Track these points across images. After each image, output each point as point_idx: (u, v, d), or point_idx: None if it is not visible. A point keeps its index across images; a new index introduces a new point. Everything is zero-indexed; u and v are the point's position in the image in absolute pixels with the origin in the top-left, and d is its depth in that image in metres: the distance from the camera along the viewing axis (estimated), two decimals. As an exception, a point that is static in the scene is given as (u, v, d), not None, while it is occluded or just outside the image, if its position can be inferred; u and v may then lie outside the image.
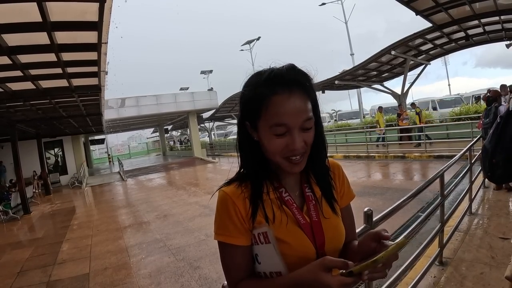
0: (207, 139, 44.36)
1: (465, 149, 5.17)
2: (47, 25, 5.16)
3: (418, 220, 3.29)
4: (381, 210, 2.42)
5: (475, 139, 6.76)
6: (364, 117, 28.00)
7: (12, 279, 6.12)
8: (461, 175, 5.38)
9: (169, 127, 49.74)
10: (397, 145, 15.46)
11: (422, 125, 15.08)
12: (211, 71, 46.93)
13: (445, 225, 3.89)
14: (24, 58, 6.64)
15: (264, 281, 1.04)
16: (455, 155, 4.63)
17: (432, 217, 4.79)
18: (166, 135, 51.21)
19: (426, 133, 14.34)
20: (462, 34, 13.23)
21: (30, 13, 4.70)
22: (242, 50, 44.12)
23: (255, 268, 1.09)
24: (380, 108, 17.50)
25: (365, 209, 2.08)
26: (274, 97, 0.96)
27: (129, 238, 7.82)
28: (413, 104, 18.63)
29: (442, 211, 3.79)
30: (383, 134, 15.99)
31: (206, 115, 34.90)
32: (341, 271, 0.88)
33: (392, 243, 0.92)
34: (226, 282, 1.11)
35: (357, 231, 1.92)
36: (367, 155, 14.96)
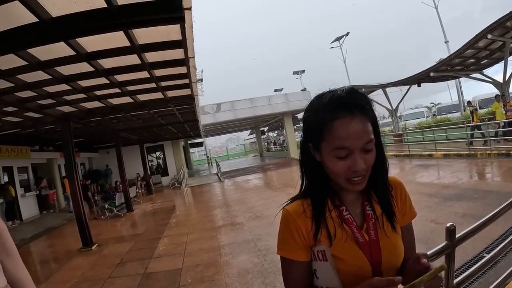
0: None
1: None
2: (135, 48, 5.58)
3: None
4: (480, 217, 2.26)
5: None
6: (464, 110, 25.69)
7: (111, 269, 6.77)
8: None
9: (265, 129, 50.33)
10: (502, 141, 13.93)
11: (474, 123, 15.53)
12: (303, 71, 46.83)
13: None
14: (120, 77, 7.24)
15: None
16: None
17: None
18: (262, 136, 51.83)
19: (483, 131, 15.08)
20: None
21: (119, 39, 5.14)
22: (332, 47, 43.42)
23: (314, 282, 1.14)
24: (497, 97, 15.15)
25: (448, 225, 1.95)
26: (336, 121, 1.00)
27: (222, 237, 8.08)
28: (469, 102, 18.18)
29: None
30: (502, 127, 14.14)
31: (301, 115, 34.79)
32: None
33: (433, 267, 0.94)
34: None
35: (438, 248, 1.79)
36: (468, 153, 13.69)
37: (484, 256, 2.49)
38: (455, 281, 2.03)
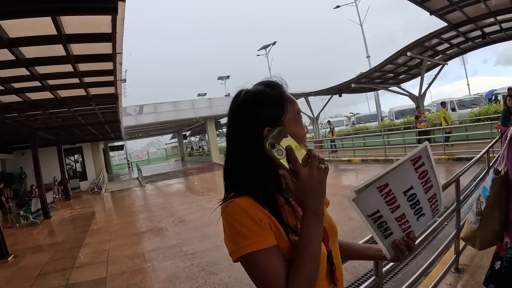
0: (225, 144, 44.38)
1: (482, 152, 5.05)
2: (62, 38, 5.28)
3: (432, 227, 3.22)
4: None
5: (494, 141, 6.62)
6: (382, 119, 27.71)
7: (31, 282, 6.29)
8: (479, 178, 5.30)
9: (188, 133, 49.96)
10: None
11: (333, 137, 22.21)
12: (228, 77, 47.34)
13: (461, 231, 3.81)
14: (42, 69, 6.80)
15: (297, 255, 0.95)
16: (474, 157, 4.53)
17: (450, 222, 4.71)
18: (184, 141, 51.53)
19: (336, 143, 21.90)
20: (478, 32, 12.94)
21: (45, 26, 4.81)
22: (258, 55, 44.23)
23: None
24: (443, 104, 16.28)
25: None
26: (286, 93, 1.10)
27: (146, 243, 7.94)
28: (328, 122, 24.41)
29: (458, 217, 3.71)
30: (450, 132, 14.83)
31: (224, 120, 35.11)
32: None
33: None
34: None
35: (366, 239, 1.91)
36: (385, 159, 14.75)
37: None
38: (384, 269, 2.20)
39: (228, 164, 1.09)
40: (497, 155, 5.95)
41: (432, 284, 3.20)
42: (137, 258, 6.82)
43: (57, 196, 19.06)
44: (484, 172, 5.22)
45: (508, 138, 1.85)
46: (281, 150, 0.93)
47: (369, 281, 2.10)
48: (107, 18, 4.98)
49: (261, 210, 0.96)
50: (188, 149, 53.59)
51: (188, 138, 54.22)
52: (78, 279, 6.11)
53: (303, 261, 0.93)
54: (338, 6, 31.05)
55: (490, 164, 5.25)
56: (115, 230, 9.74)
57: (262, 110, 1.03)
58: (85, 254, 7.76)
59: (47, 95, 8.62)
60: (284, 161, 0.92)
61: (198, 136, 52.22)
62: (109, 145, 39.48)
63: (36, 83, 7.48)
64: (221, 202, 1.03)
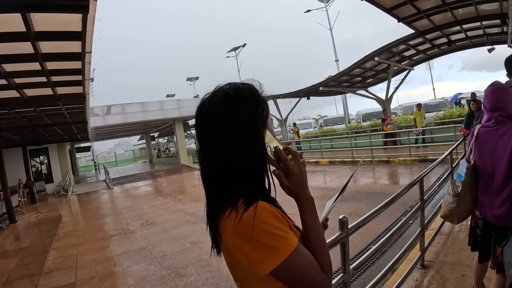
0: (193, 146, 44.28)
1: (445, 153, 5.19)
2: (31, 35, 5.17)
3: (397, 226, 3.33)
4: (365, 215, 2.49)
5: (457, 143, 6.88)
6: (349, 122, 28.22)
7: (-2, 290, 6.06)
8: (442, 178, 5.50)
9: (156, 134, 49.39)
10: (382, 150, 15.56)
11: (300, 140, 23.57)
12: (197, 78, 47.05)
13: (426, 229, 3.96)
14: (9, 67, 6.62)
15: (307, 243, 0.97)
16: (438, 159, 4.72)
17: (416, 221, 4.87)
18: (152, 142, 50.87)
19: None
20: (444, 39, 13.44)
21: (14, 23, 4.70)
22: (228, 57, 44.20)
23: None
24: (418, 106, 16.03)
25: (340, 217, 2.12)
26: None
27: (115, 246, 7.79)
28: (294, 124, 26.77)
29: (422, 215, 3.85)
30: (422, 134, 15.23)
31: (192, 122, 34.93)
32: None
33: None
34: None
35: (333, 237, 2.03)
36: (352, 160, 15.02)
37: (372, 248, 2.83)
38: (351, 266, 2.28)
39: (221, 166, 0.96)
40: (461, 156, 6.22)
41: (399, 280, 3.31)
42: (106, 262, 6.69)
43: (22, 200, 18.39)
44: (448, 172, 5.41)
45: (474, 135, 2.40)
46: (272, 151, 0.95)
47: (337, 278, 2.14)
48: (78, 17, 4.91)
49: (276, 209, 0.94)
50: (156, 151, 53.04)
51: (156, 140, 53.66)
52: (47, 285, 5.96)
53: (319, 244, 0.99)
54: (308, 10, 31.37)
55: (454, 165, 5.43)
56: (83, 234, 9.52)
57: (258, 109, 0.99)
58: (53, 259, 7.55)
59: (13, 93, 8.38)
60: (276, 161, 0.95)
61: (166, 138, 51.76)
62: (76, 146, 38.58)
63: (3, 81, 7.26)
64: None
